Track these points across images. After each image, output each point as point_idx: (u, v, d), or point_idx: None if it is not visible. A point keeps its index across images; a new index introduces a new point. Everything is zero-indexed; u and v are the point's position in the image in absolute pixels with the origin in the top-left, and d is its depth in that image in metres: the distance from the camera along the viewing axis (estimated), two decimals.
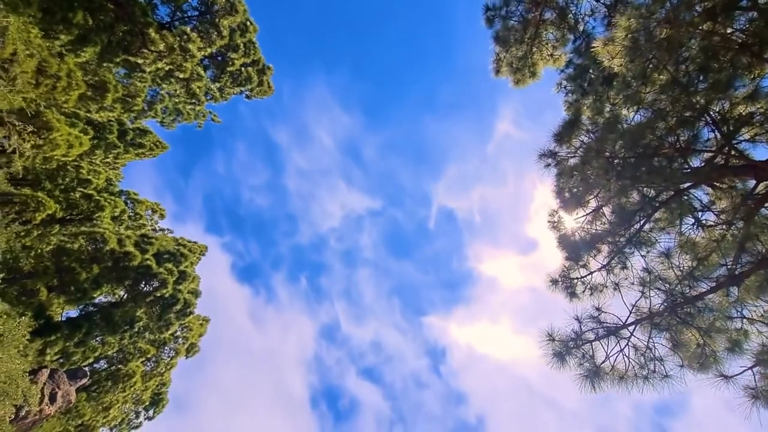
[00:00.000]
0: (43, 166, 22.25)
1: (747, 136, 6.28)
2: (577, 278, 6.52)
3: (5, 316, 14.14)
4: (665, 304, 5.46)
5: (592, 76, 9.98)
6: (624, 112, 6.94)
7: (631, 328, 5.61)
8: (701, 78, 5.70)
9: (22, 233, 21.01)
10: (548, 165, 6.81)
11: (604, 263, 6.48)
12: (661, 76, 6.18)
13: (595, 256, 6.56)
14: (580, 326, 5.69)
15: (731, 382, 4.82)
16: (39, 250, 21.25)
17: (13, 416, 13.86)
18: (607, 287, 6.32)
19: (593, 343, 5.65)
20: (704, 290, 5.38)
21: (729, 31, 5.95)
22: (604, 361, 5.53)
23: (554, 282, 6.53)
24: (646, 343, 5.48)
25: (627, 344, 5.55)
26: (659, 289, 5.60)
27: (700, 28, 6.21)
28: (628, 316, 5.70)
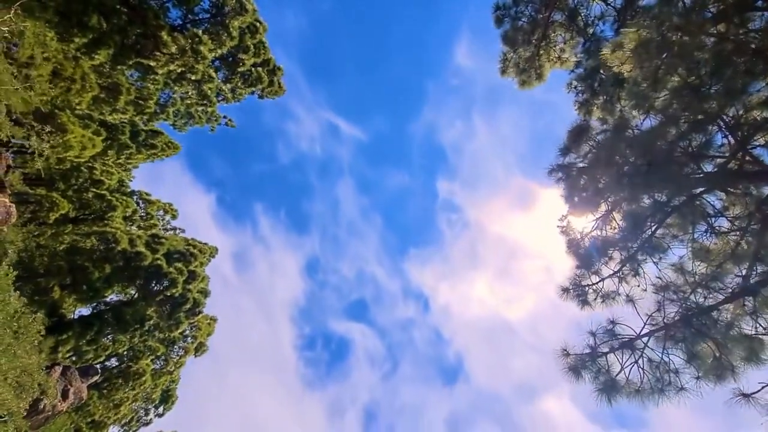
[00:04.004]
0: (58, 167, 22.72)
1: (762, 142, 6.16)
2: (588, 285, 6.43)
3: (21, 312, 14.45)
4: (679, 314, 5.35)
5: (603, 77, 9.87)
6: (634, 113, 6.85)
7: (645, 339, 5.49)
8: (714, 82, 5.60)
9: (37, 233, 21.44)
10: (559, 179, 6.74)
11: (616, 269, 6.38)
12: (674, 78, 6.08)
13: (606, 262, 6.46)
14: (595, 340, 5.59)
15: (751, 400, 4.66)
16: (53, 249, 21.67)
17: (28, 410, 14.12)
18: (619, 294, 6.21)
19: (607, 355, 5.54)
20: (719, 300, 5.26)
21: (743, 31, 5.84)
22: (618, 373, 5.41)
23: (565, 290, 6.43)
24: (660, 355, 5.36)
25: (641, 356, 5.44)
26: (672, 300, 5.49)
27: (714, 29, 6.10)
28: (642, 327, 5.58)
